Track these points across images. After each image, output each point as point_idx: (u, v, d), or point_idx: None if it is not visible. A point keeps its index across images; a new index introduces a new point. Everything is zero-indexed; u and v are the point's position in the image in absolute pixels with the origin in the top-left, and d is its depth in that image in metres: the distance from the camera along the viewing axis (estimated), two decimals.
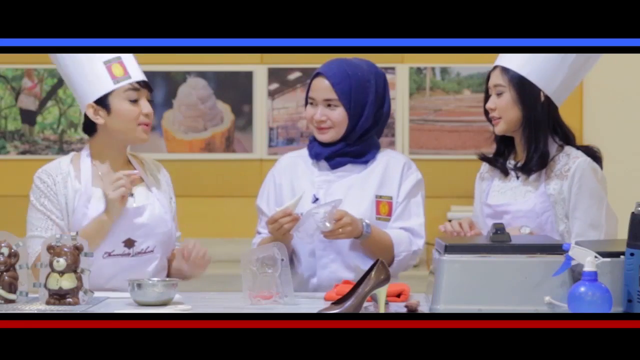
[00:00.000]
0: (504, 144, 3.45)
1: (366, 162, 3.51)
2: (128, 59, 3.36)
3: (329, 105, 3.45)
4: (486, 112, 3.43)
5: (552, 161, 3.35)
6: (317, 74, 3.49)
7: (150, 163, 3.53)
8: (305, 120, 3.56)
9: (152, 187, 3.42)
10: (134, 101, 3.34)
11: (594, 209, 3.29)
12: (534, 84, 3.32)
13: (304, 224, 3.27)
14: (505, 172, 3.43)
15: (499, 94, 3.35)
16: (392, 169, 3.51)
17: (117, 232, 3.31)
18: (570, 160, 3.32)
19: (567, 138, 3.39)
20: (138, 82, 3.35)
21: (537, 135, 3.34)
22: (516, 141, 3.42)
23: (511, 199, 3.38)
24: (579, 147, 3.38)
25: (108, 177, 3.35)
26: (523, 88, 3.32)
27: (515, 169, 3.39)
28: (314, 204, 3.40)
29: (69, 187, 3.32)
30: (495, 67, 3.37)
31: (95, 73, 3.35)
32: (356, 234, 3.35)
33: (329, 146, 3.49)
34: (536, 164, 3.34)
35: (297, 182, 3.51)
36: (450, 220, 3.45)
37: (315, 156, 3.52)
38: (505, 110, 3.34)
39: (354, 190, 3.46)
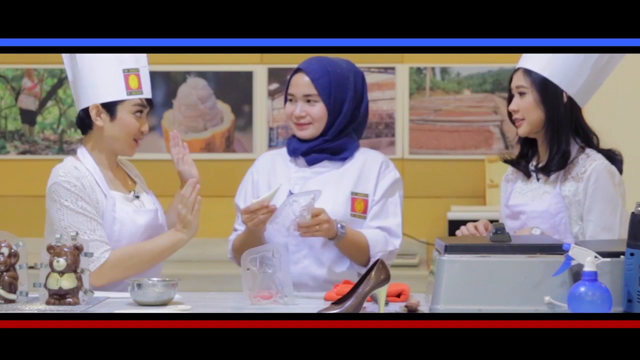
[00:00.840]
0: (528, 146, 3.46)
1: (344, 160, 3.52)
2: (144, 73, 3.39)
3: (308, 101, 3.47)
4: (509, 114, 3.44)
5: (572, 163, 3.36)
6: (297, 70, 3.50)
7: (130, 165, 3.57)
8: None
9: (145, 189, 3.47)
10: (139, 115, 3.37)
11: (608, 212, 3.29)
12: (556, 85, 3.33)
13: (281, 214, 3.28)
14: (527, 174, 3.43)
15: (522, 95, 3.36)
16: (369, 166, 3.51)
17: (146, 234, 3.37)
18: (587, 163, 3.33)
19: (589, 140, 3.40)
20: (147, 100, 3.38)
21: (559, 136, 3.35)
22: (539, 143, 3.43)
23: (528, 200, 3.39)
24: (600, 150, 3.39)
25: (114, 181, 3.40)
26: (545, 89, 3.33)
27: (536, 169, 3.40)
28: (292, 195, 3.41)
29: (97, 191, 3.33)
30: (518, 69, 3.38)
31: (113, 77, 3.36)
32: (331, 235, 3.36)
33: (306, 142, 3.51)
34: (556, 164, 3.35)
35: (274, 178, 3.52)
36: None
37: (292, 152, 3.54)
38: (528, 111, 3.35)
39: (329, 186, 3.46)
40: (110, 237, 3.30)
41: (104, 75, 3.36)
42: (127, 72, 3.36)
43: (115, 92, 3.36)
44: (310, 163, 3.52)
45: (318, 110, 3.47)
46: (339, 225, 3.37)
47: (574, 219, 3.32)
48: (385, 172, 3.52)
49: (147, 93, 3.39)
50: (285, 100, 3.55)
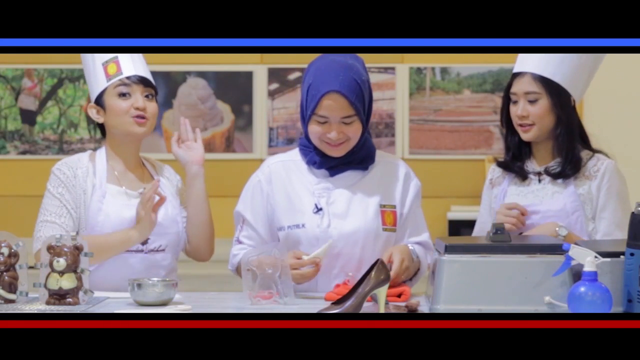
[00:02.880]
0: (519, 148, 3.45)
1: (366, 168, 3.35)
2: (125, 57, 3.41)
3: (344, 123, 3.23)
4: (507, 119, 3.41)
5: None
6: (331, 91, 3.19)
7: (161, 165, 3.58)
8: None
9: (165, 189, 3.46)
10: (124, 95, 3.38)
11: (621, 210, 3.32)
12: (566, 90, 3.33)
13: None
14: (523, 176, 3.42)
15: (533, 102, 3.33)
16: (392, 177, 3.36)
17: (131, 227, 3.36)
18: (598, 162, 3.36)
19: (588, 140, 3.43)
20: (130, 77, 3.38)
21: (571, 142, 3.35)
22: (539, 146, 3.41)
23: (537, 200, 3.37)
24: (596, 150, 3.42)
25: (124, 176, 3.43)
26: (559, 95, 3.32)
27: (549, 174, 3.38)
28: (316, 215, 3.29)
29: (89, 182, 3.37)
30: (522, 73, 3.34)
31: (95, 74, 3.44)
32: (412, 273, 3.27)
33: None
34: (572, 169, 3.35)
35: (292, 190, 3.34)
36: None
37: (317, 164, 3.32)
38: (542, 117, 3.33)
39: (357, 199, 3.31)
40: (94, 227, 3.34)
41: (90, 75, 3.46)
42: (106, 63, 3.41)
43: (97, 85, 3.44)
44: (334, 173, 3.33)
45: (355, 129, 3.24)
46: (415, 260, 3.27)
47: (588, 218, 3.34)
48: (409, 183, 3.37)
49: (127, 71, 3.40)
50: (307, 118, 3.26)
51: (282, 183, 3.35)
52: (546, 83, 3.31)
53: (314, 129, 3.26)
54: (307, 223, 3.29)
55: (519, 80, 3.35)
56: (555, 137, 3.36)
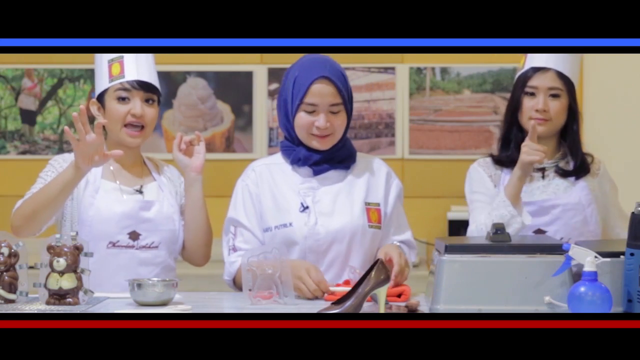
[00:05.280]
0: (518, 145, 3.48)
1: (348, 167, 3.39)
2: (131, 58, 3.38)
3: (331, 112, 3.28)
4: (514, 112, 3.48)
5: None
6: (320, 77, 3.26)
7: (164, 166, 3.58)
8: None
9: (163, 187, 3.45)
10: (123, 99, 3.37)
11: (619, 201, 3.54)
12: (574, 90, 3.46)
13: None
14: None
15: (555, 97, 3.43)
16: (375, 175, 3.40)
17: (122, 223, 3.35)
18: (595, 160, 3.53)
19: None
20: (131, 83, 3.36)
21: (580, 141, 3.49)
22: (542, 143, 3.43)
23: (545, 196, 3.46)
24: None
25: (120, 173, 3.43)
26: (574, 94, 3.46)
27: (559, 172, 3.48)
28: (303, 213, 3.32)
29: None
30: (545, 69, 3.42)
31: (100, 70, 3.44)
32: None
33: (317, 151, 3.33)
34: (584, 168, 3.48)
35: (277, 191, 3.36)
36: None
37: (302, 161, 3.34)
38: (559, 113, 3.45)
39: (342, 197, 3.34)
40: (84, 221, 3.33)
41: (97, 70, 3.45)
42: (111, 62, 3.40)
43: (100, 83, 3.43)
44: (317, 172, 3.36)
45: (341, 121, 3.29)
46: (408, 256, 3.30)
47: (600, 212, 3.48)
48: (391, 182, 3.42)
49: (130, 76, 3.38)
50: (294, 110, 3.29)
51: (268, 184, 3.38)
52: (567, 81, 3.44)
53: (301, 119, 3.29)
54: (295, 222, 3.31)
55: (541, 75, 3.44)
56: (572, 134, 3.47)
